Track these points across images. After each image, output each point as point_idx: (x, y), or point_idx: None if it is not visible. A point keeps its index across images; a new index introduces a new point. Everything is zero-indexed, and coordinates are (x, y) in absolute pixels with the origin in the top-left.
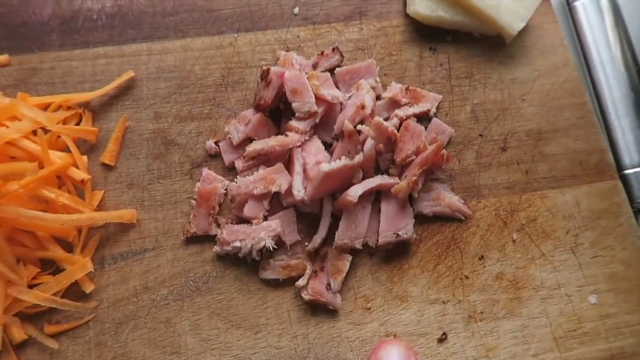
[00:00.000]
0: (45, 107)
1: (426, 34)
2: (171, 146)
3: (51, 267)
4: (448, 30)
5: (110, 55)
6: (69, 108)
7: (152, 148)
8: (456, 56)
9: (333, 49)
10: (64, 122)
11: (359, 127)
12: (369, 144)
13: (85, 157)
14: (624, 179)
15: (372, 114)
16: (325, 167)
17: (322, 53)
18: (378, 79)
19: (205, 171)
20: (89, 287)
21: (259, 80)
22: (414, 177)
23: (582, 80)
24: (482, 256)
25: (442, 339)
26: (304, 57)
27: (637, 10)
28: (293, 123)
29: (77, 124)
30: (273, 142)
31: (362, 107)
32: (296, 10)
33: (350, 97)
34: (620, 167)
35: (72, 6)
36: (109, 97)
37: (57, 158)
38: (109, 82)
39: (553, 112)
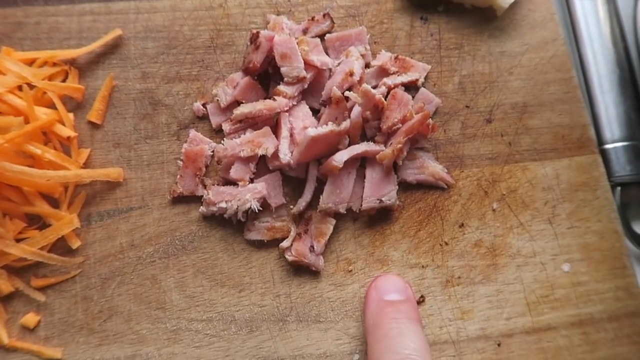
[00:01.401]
0: (30, 63)
1: (418, 3)
2: (158, 107)
3: (38, 222)
4: (440, 0)
5: (97, 12)
6: (54, 64)
7: (139, 108)
8: (447, 27)
9: (324, 15)
10: (50, 78)
11: (347, 93)
12: (356, 110)
13: (71, 115)
14: (604, 154)
15: (360, 81)
16: (312, 132)
17: (312, 18)
18: (368, 47)
19: (193, 133)
20: (75, 243)
21: (248, 43)
22: (399, 145)
23: (570, 56)
24: (462, 224)
25: (419, 302)
26: (294, 22)
27: None
28: (281, 88)
29: (63, 81)
30: (261, 106)
31: (351, 74)
32: None
33: (339, 63)
34: (601, 141)
35: None
36: (96, 55)
37: (42, 114)
38: (95, 39)
39: (539, 86)
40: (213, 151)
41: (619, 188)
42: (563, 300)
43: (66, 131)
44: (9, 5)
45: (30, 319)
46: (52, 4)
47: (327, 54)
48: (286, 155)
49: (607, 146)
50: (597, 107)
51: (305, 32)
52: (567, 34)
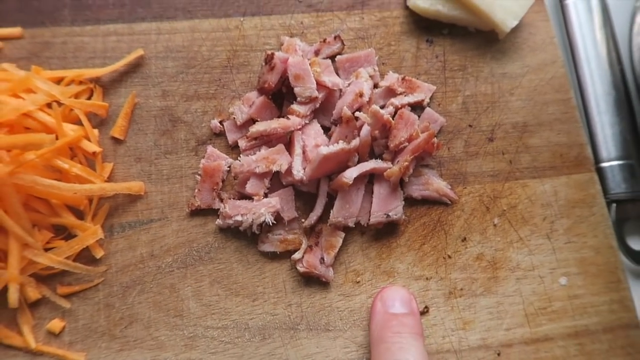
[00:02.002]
0: (58, 81)
1: (424, 26)
2: (178, 123)
3: (63, 233)
4: (445, 23)
5: (121, 33)
6: (80, 83)
7: (159, 124)
8: (451, 49)
9: (335, 37)
10: (76, 96)
11: (357, 114)
12: (365, 130)
13: (96, 131)
14: (600, 172)
15: (369, 102)
16: (324, 150)
17: (324, 40)
18: (376, 68)
19: (210, 149)
20: (98, 253)
21: (263, 64)
22: (406, 163)
23: (569, 77)
24: (465, 238)
25: (423, 312)
26: (306, 44)
27: (624, 11)
28: (294, 107)
29: (89, 98)
30: (275, 124)
31: (361, 94)
32: None
33: (349, 84)
34: (597, 160)
35: None
36: (119, 74)
37: (70, 130)
38: (119, 59)
39: (539, 106)
40: (229, 166)
41: (614, 205)
42: (560, 312)
43: (92, 147)
44: (37, 25)
45: (56, 324)
46: (78, 24)
47: (337, 74)
48: (299, 172)
49: (604, 164)
50: (594, 127)
51: (317, 53)
52: (566, 57)
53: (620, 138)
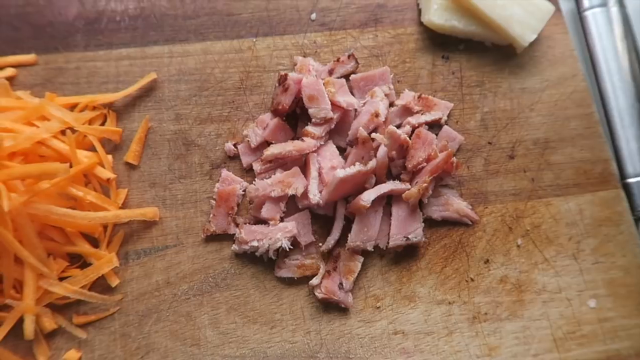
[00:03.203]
0: (72, 107)
1: (439, 42)
2: (191, 147)
3: (78, 261)
4: (461, 39)
5: (133, 57)
6: (94, 108)
7: (173, 148)
8: (468, 65)
9: (349, 56)
10: (90, 122)
11: (374, 135)
12: (382, 151)
13: (110, 157)
14: (627, 188)
15: (385, 122)
16: (341, 173)
17: (338, 59)
18: (391, 86)
19: (225, 172)
20: (114, 281)
21: (277, 84)
22: (425, 184)
23: (590, 90)
24: (488, 260)
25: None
26: (320, 63)
27: None
28: (309, 128)
29: (102, 124)
30: (290, 147)
31: (377, 115)
32: (313, 16)
33: (364, 103)
34: (623, 175)
35: (96, 7)
36: (132, 98)
37: (84, 157)
38: (131, 83)
39: (560, 121)
40: (244, 190)
41: None
42: (590, 337)
43: (106, 173)
44: (50, 51)
45: (72, 355)
46: (90, 49)
47: (352, 93)
48: (316, 196)
49: (630, 180)
50: (619, 142)
51: (331, 72)
52: (586, 69)
53: None
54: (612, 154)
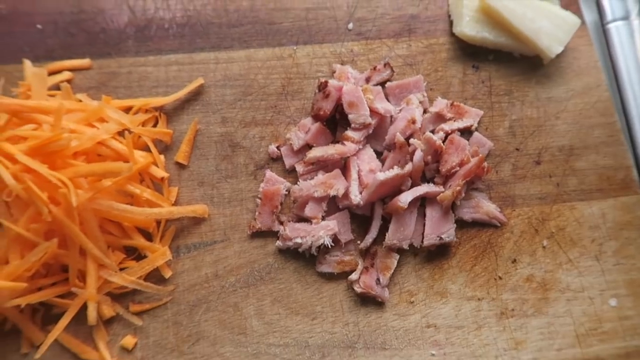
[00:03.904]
0: (126, 110)
1: (470, 52)
2: (237, 149)
3: (134, 254)
4: (490, 49)
5: (181, 63)
6: (146, 111)
7: (220, 150)
8: (497, 74)
9: (385, 64)
10: (143, 124)
11: (411, 140)
12: (418, 155)
13: (162, 157)
14: None
15: (421, 128)
16: (381, 176)
17: (374, 68)
18: (425, 94)
19: (269, 173)
20: (167, 273)
21: (317, 91)
22: (458, 187)
23: (613, 100)
24: (515, 259)
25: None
26: (357, 71)
27: None
28: (349, 133)
29: (154, 126)
30: (332, 151)
31: (413, 121)
32: (350, 25)
33: (400, 110)
34: None
35: (145, 15)
36: (181, 102)
37: (140, 157)
38: (180, 87)
39: (584, 130)
40: (288, 190)
41: None
42: (611, 333)
43: (160, 172)
44: (103, 56)
45: (129, 341)
46: (141, 55)
47: (388, 100)
48: (357, 197)
49: None
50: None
51: (368, 80)
52: (609, 80)
53: None
54: (634, 161)
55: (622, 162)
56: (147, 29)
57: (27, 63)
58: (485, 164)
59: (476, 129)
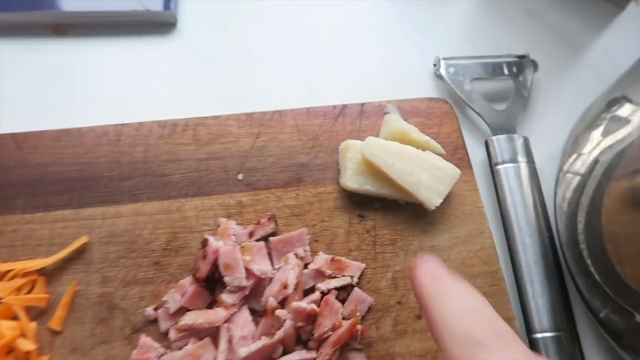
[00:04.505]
0: (3, 274)
1: (357, 200)
2: (115, 310)
3: None
4: (377, 197)
5: (68, 219)
6: (24, 275)
7: (97, 312)
8: (382, 223)
9: (269, 218)
10: (18, 289)
11: (277, 312)
12: (288, 324)
13: (34, 324)
14: (533, 342)
15: (297, 286)
16: (243, 352)
17: (258, 222)
18: (308, 248)
19: (143, 339)
20: None
21: (200, 247)
22: (327, 357)
23: (496, 247)
24: None
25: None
26: (242, 225)
27: (551, 177)
28: (223, 297)
29: (30, 290)
30: (201, 319)
31: (285, 286)
32: (240, 176)
33: (279, 268)
34: (530, 330)
35: (37, 170)
36: (63, 261)
37: (7, 329)
38: (64, 245)
39: (467, 279)
40: (160, 356)
41: None
42: None
43: (27, 345)
44: None
45: None
46: (29, 211)
47: (270, 255)
48: None
49: (536, 335)
50: (526, 297)
51: (251, 234)
52: (498, 223)
53: (549, 308)
54: (519, 309)
55: (504, 313)
56: (38, 184)
57: None
58: (360, 326)
59: (357, 284)
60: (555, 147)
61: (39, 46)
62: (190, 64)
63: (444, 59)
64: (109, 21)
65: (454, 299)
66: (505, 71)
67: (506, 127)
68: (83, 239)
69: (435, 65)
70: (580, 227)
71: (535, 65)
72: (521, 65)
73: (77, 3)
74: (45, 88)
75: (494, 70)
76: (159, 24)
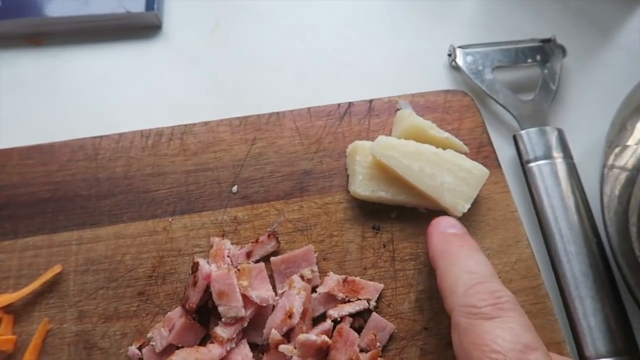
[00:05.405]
0: None
1: (370, 210)
2: (93, 351)
3: None
4: (392, 205)
5: (39, 246)
6: None
7: (73, 354)
8: (401, 235)
9: (269, 235)
10: None
11: (281, 347)
12: (296, 358)
13: None
14: None
15: (305, 315)
16: None
17: (257, 240)
18: (315, 268)
19: None
20: None
21: (190, 272)
22: None
23: (535, 258)
24: None
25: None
26: (238, 244)
27: (593, 173)
28: (218, 330)
29: None
30: (193, 359)
31: (290, 315)
32: (235, 188)
33: (283, 293)
34: (582, 356)
35: (3, 192)
36: (33, 295)
37: None
38: (34, 276)
39: None
40: None
41: None
42: None
43: None
44: None
45: None
46: None
47: (272, 278)
48: None
49: None
50: (576, 316)
51: (249, 255)
52: (535, 231)
53: (604, 328)
54: (568, 331)
55: (551, 336)
56: (5, 208)
57: None
58: (381, 359)
59: (375, 308)
60: (594, 139)
61: (10, 58)
62: (177, 67)
63: (460, 47)
64: (88, 27)
65: (459, 264)
66: (530, 58)
67: (536, 119)
68: (56, 269)
69: (450, 55)
70: (634, 230)
71: (563, 50)
72: (547, 50)
73: (53, 9)
74: (16, 102)
75: (517, 56)
76: (141, 27)
